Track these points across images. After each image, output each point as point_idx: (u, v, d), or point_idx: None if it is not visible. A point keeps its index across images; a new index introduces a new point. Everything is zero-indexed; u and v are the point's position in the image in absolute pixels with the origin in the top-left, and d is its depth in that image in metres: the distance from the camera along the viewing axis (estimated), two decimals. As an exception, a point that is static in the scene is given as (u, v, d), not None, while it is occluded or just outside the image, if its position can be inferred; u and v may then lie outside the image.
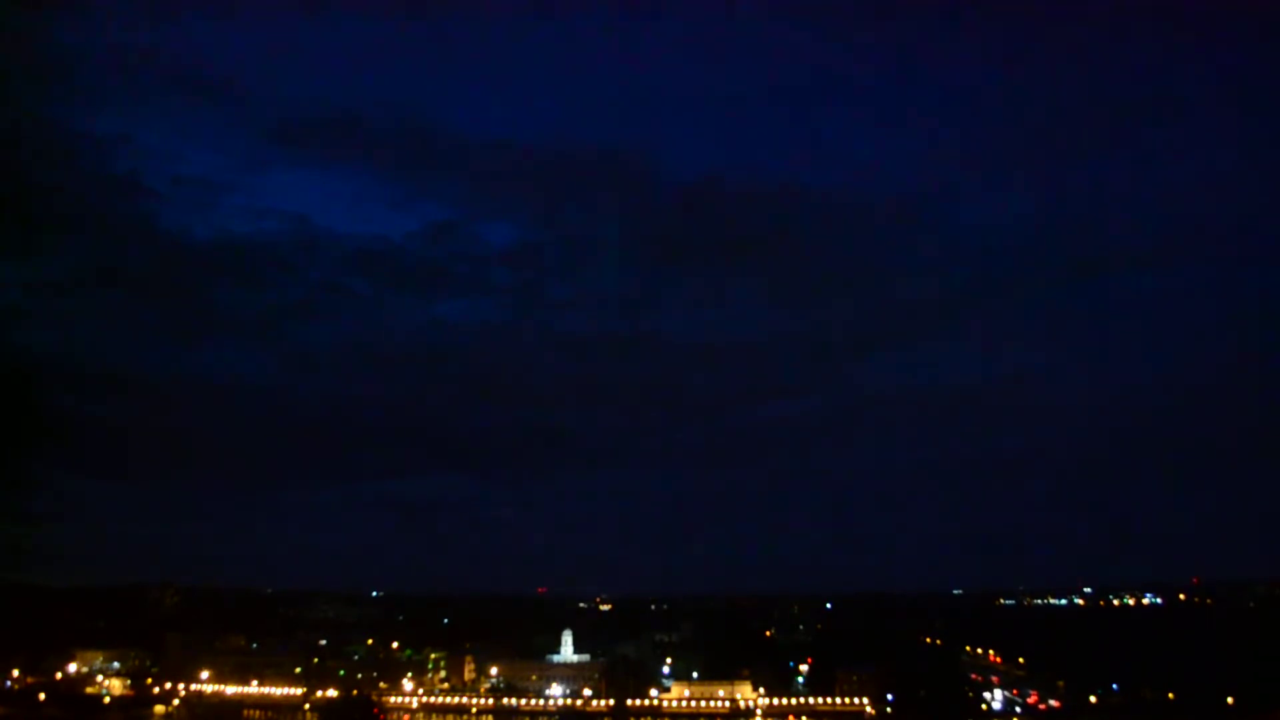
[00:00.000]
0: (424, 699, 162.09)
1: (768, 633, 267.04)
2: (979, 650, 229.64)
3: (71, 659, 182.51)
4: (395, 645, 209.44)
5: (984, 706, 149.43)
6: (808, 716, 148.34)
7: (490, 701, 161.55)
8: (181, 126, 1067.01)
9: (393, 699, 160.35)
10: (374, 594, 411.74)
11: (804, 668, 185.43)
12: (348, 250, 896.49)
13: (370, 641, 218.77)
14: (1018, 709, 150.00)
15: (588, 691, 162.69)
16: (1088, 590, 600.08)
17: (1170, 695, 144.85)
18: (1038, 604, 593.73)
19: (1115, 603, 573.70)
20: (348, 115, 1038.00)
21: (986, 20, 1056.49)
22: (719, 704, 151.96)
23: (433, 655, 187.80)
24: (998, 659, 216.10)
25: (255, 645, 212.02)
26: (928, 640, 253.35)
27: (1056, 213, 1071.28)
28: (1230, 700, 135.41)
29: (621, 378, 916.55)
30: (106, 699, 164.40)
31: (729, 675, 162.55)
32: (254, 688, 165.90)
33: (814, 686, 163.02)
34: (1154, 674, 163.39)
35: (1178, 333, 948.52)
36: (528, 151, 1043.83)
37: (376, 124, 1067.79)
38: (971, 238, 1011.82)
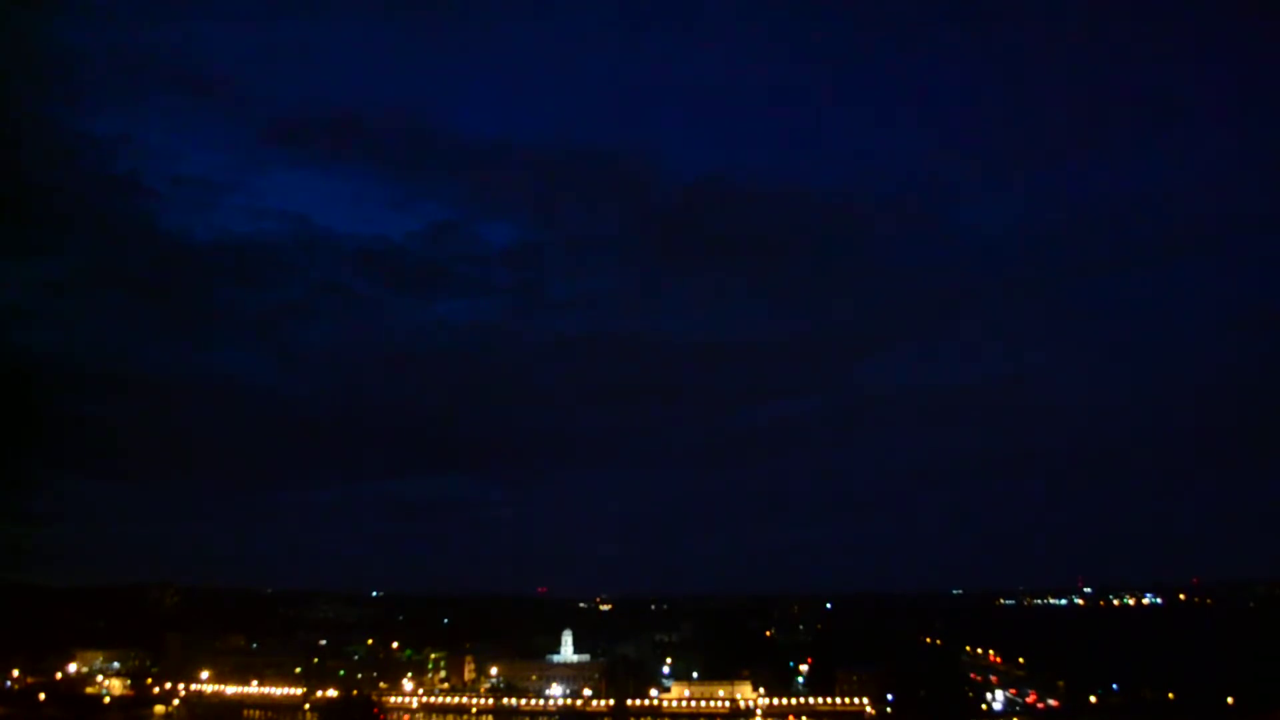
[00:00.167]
0: (424, 699, 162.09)
1: (768, 633, 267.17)
2: (979, 650, 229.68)
3: (71, 659, 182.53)
4: (395, 645, 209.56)
5: (984, 707, 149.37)
6: (808, 716, 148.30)
7: (490, 701, 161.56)
8: (181, 126, 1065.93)
9: (393, 699, 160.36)
10: (374, 594, 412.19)
11: (804, 668, 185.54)
12: (348, 250, 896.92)
13: (370, 641, 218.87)
14: (1018, 709, 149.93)
15: (588, 691, 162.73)
16: (1088, 590, 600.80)
17: (1170, 695, 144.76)
18: (1038, 604, 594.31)
19: (1115, 603, 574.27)
20: (348, 115, 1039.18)
21: (986, 20, 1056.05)
22: (719, 704, 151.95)
23: (433, 655, 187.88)
24: (998, 659, 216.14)
25: (255, 645, 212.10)
26: (928, 640, 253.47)
27: (1056, 212, 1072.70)
28: (1230, 700, 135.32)
29: (621, 378, 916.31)
30: (106, 699, 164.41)
31: (729, 675, 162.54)
32: (254, 688, 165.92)
33: (814, 686, 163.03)
34: (1154, 674, 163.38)
35: (1178, 333, 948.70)
36: (528, 151, 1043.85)
37: (376, 124, 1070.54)
38: (971, 238, 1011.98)
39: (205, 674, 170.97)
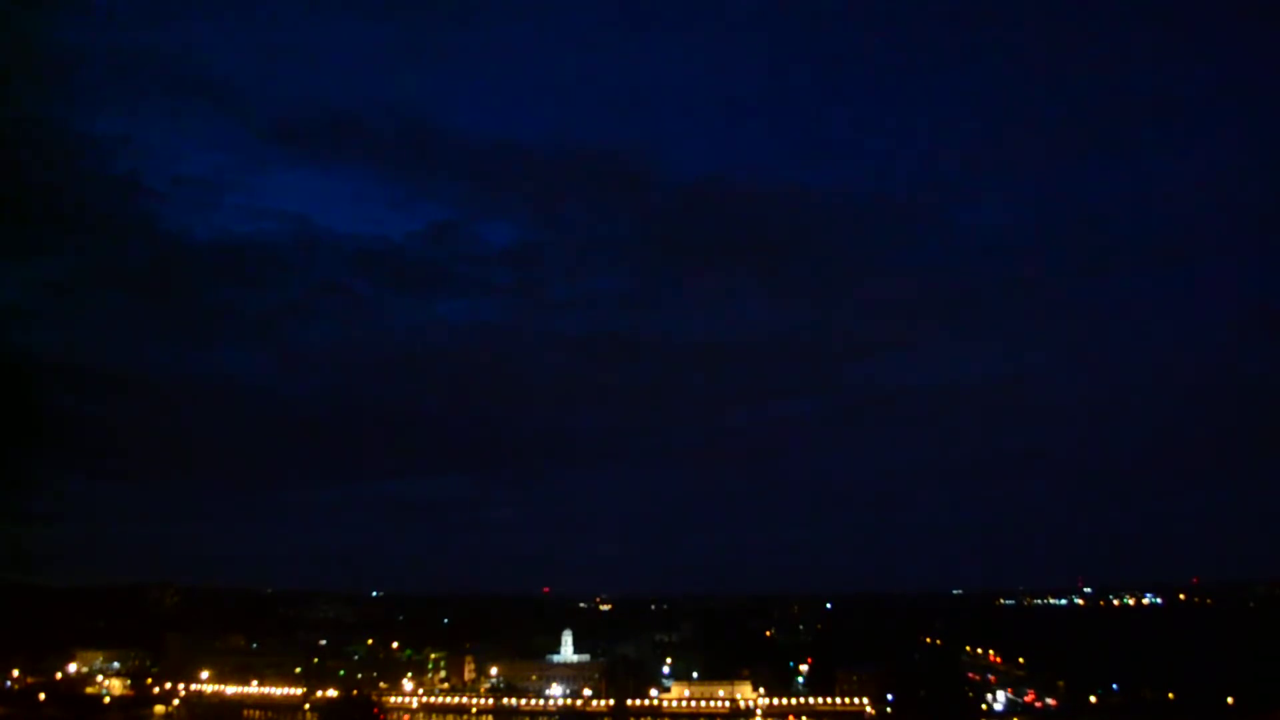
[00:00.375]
0: (424, 699, 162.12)
1: (768, 633, 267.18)
2: (979, 650, 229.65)
3: (71, 659, 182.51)
4: (395, 645, 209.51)
5: (984, 706, 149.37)
6: (808, 716, 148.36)
7: (490, 701, 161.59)
8: (181, 126, 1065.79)
9: (393, 699, 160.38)
10: (374, 594, 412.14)
11: (804, 668, 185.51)
12: (348, 250, 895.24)
13: (370, 641, 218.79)
14: (1019, 710, 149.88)
15: (588, 691, 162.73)
16: (1088, 590, 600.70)
17: (1170, 695, 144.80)
18: (1038, 604, 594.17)
19: (1115, 603, 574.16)
20: (348, 115, 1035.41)
21: (987, 20, 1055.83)
22: (719, 704, 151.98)
23: (433, 655, 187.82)
24: (998, 659, 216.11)
25: (255, 645, 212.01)
26: (928, 640, 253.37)
27: (1057, 212, 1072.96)
28: (1230, 700, 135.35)
29: (621, 378, 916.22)
30: (106, 699, 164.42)
31: (729, 675, 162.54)
32: (254, 688, 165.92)
33: (814, 686, 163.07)
34: (1154, 674, 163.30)
35: (1178, 333, 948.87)
36: (528, 151, 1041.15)
37: (376, 124, 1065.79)
38: (972, 238, 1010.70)
39: (205, 674, 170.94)
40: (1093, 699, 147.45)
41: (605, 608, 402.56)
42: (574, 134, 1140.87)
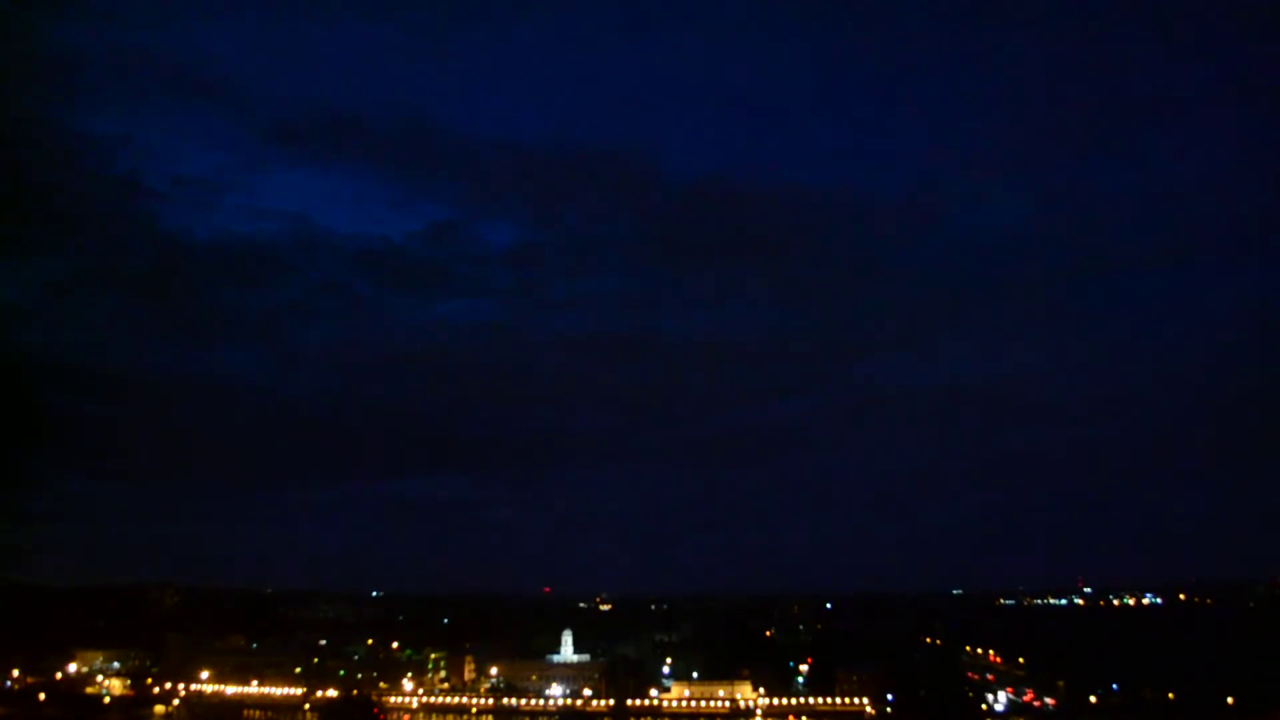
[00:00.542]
0: (424, 699, 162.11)
1: (768, 633, 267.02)
2: (979, 650, 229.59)
3: (71, 659, 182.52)
4: (395, 645, 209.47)
5: (984, 707, 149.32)
6: (808, 716, 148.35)
7: (490, 701, 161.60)
8: (181, 126, 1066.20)
9: (393, 699, 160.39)
10: (374, 594, 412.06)
11: (804, 668, 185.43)
12: (348, 250, 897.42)
13: (370, 641, 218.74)
14: (1020, 712, 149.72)
15: (588, 691, 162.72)
16: (1088, 590, 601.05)
17: (1170, 695, 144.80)
18: (1038, 604, 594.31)
19: (1115, 603, 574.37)
20: (348, 115, 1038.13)
21: (987, 20, 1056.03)
22: (719, 704, 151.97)
23: (433, 655, 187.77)
24: (998, 659, 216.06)
25: (255, 645, 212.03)
26: (928, 640, 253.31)
27: (1057, 212, 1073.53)
28: (1230, 700, 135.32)
29: (621, 378, 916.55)
30: (106, 699, 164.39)
31: (729, 675, 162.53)
32: (254, 688, 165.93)
33: (814, 686, 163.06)
34: (1154, 674, 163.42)
35: (1178, 333, 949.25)
36: (528, 151, 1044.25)
37: (377, 124, 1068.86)
38: (972, 237, 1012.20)
39: (205, 674, 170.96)
40: (1093, 699, 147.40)
41: (605, 608, 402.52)
42: (574, 134, 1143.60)
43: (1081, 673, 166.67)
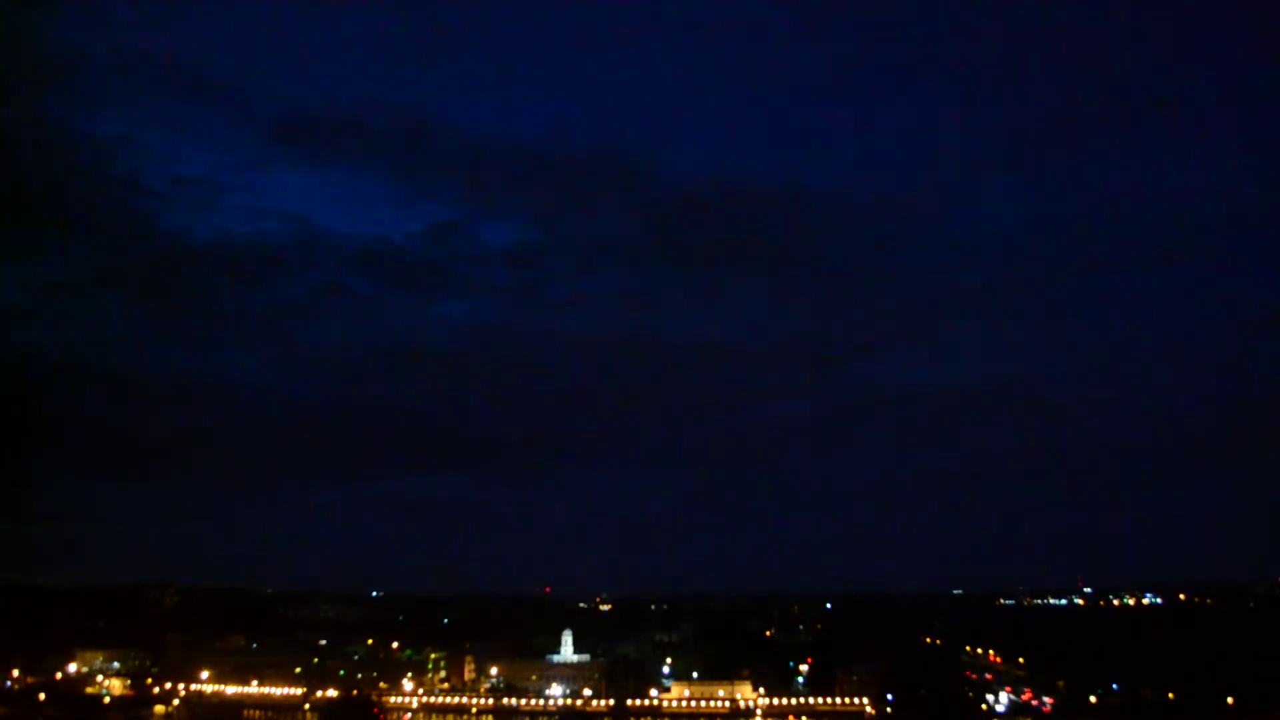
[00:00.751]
0: (424, 699, 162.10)
1: (768, 633, 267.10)
2: (979, 650, 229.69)
3: (71, 659, 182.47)
4: (395, 645, 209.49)
5: (984, 707, 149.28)
6: (808, 716, 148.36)
7: (490, 701, 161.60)
8: (181, 126, 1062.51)
9: (393, 699, 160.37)
10: (374, 594, 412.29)
11: (804, 668, 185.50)
12: (348, 250, 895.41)
13: (370, 641, 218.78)
14: (1021, 712, 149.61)
15: (588, 691, 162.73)
16: (1088, 590, 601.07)
17: (1170, 695, 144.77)
18: (1038, 604, 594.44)
19: (1115, 603, 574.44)
20: (348, 115, 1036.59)
21: (986, 20, 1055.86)
22: (719, 704, 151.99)
23: (433, 655, 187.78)
24: (998, 659, 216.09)
25: (255, 645, 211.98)
26: (928, 640, 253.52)
27: (1057, 212, 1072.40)
28: (1230, 700, 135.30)
29: (621, 378, 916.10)
30: (106, 699, 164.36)
31: (729, 675, 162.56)
32: (254, 688, 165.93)
33: (814, 686, 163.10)
34: (1154, 674, 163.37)
35: (1178, 333, 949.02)
36: (528, 152, 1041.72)
37: (377, 124, 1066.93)
38: (972, 237, 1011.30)
39: (205, 674, 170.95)
40: (1093, 699, 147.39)
41: (605, 608, 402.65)
42: (574, 134, 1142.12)
43: (1081, 673, 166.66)
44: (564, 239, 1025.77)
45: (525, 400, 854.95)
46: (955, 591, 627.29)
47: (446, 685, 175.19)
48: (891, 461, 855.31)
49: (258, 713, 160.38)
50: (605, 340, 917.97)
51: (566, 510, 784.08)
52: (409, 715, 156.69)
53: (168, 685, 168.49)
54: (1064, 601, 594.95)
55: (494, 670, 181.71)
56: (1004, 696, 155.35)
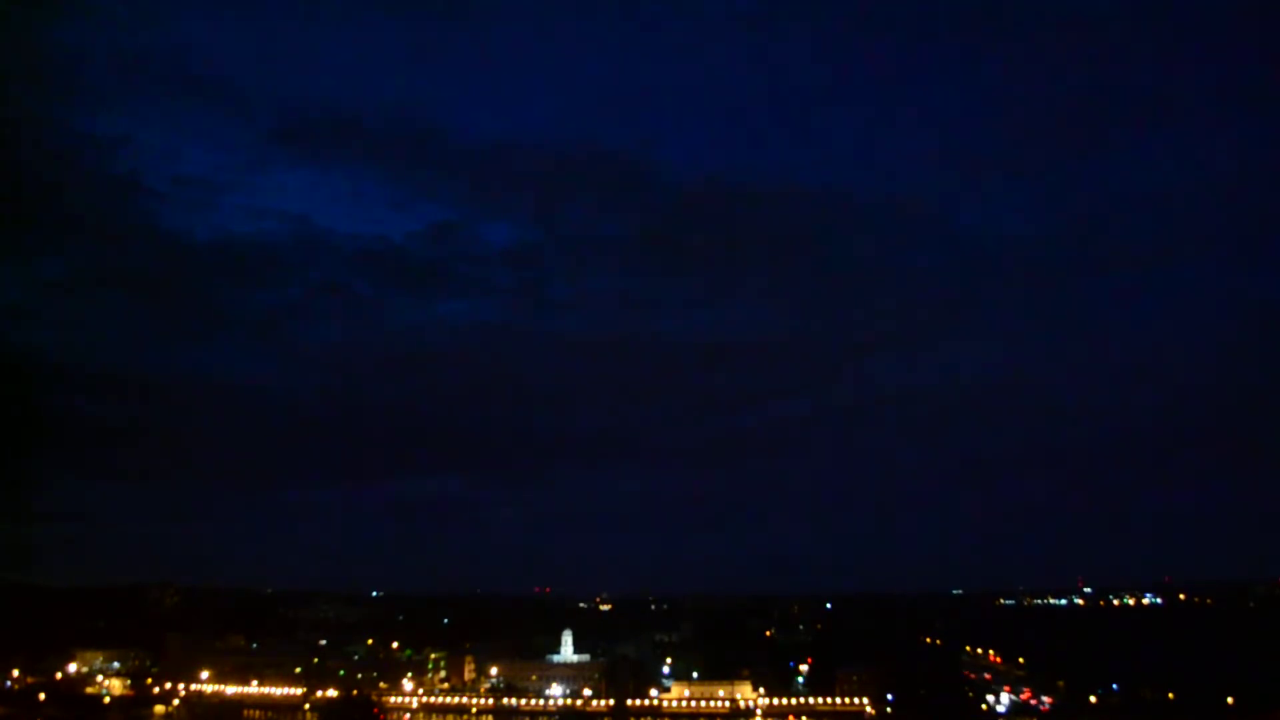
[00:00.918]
0: (424, 699, 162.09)
1: (768, 633, 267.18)
2: (979, 650, 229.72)
3: (71, 659, 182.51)
4: (395, 645, 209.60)
5: (984, 707, 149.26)
6: (808, 716, 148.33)
7: (490, 701, 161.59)
8: (181, 126, 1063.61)
9: (393, 699, 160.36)
10: (374, 594, 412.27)
11: (804, 668, 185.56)
12: (348, 250, 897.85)
13: (370, 641, 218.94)
14: (1022, 712, 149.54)
15: (588, 691, 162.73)
16: (1088, 590, 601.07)
17: (1170, 695, 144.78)
18: (1038, 604, 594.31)
19: (1115, 603, 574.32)
20: (348, 115, 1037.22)
21: (986, 20, 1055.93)
22: (719, 704, 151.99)
23: (433, 655, 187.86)
24: (998, 659, 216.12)
25: (255, 645, 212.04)
26: (928, 640, 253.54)
27: (1057, 212, 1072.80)
28: (1230, 700, 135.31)
29: (621, 378, 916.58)
30: (106, 699, 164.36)
31: (729, 675, 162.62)
32: (254, 688, 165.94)
33: (814, 686, 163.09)
34: (1154, 674, 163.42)
35: (1177, 333, 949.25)
36: (528, 152, 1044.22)
37: (377, 124, 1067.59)
38: (971, 237, 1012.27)
39: (205, 674, 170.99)
40: (1093, 699, 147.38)
41: (605, 608, 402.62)
42: (574, 134, 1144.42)
43: (1081, 673, 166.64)
44: (564, 239, 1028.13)
45: (525, 400, 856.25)
46: (955, 591, 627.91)
47: (446, 685, 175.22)
48: (891, 461, 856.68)
49: (258, 713, 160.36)
50: (605, 340, 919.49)
51: (566, 510, 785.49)
52: (409, 715, 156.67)
53: (168, 685, 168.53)
54: (1064, 601, 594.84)
55: (494, 670, 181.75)
56: (1005, 697, 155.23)
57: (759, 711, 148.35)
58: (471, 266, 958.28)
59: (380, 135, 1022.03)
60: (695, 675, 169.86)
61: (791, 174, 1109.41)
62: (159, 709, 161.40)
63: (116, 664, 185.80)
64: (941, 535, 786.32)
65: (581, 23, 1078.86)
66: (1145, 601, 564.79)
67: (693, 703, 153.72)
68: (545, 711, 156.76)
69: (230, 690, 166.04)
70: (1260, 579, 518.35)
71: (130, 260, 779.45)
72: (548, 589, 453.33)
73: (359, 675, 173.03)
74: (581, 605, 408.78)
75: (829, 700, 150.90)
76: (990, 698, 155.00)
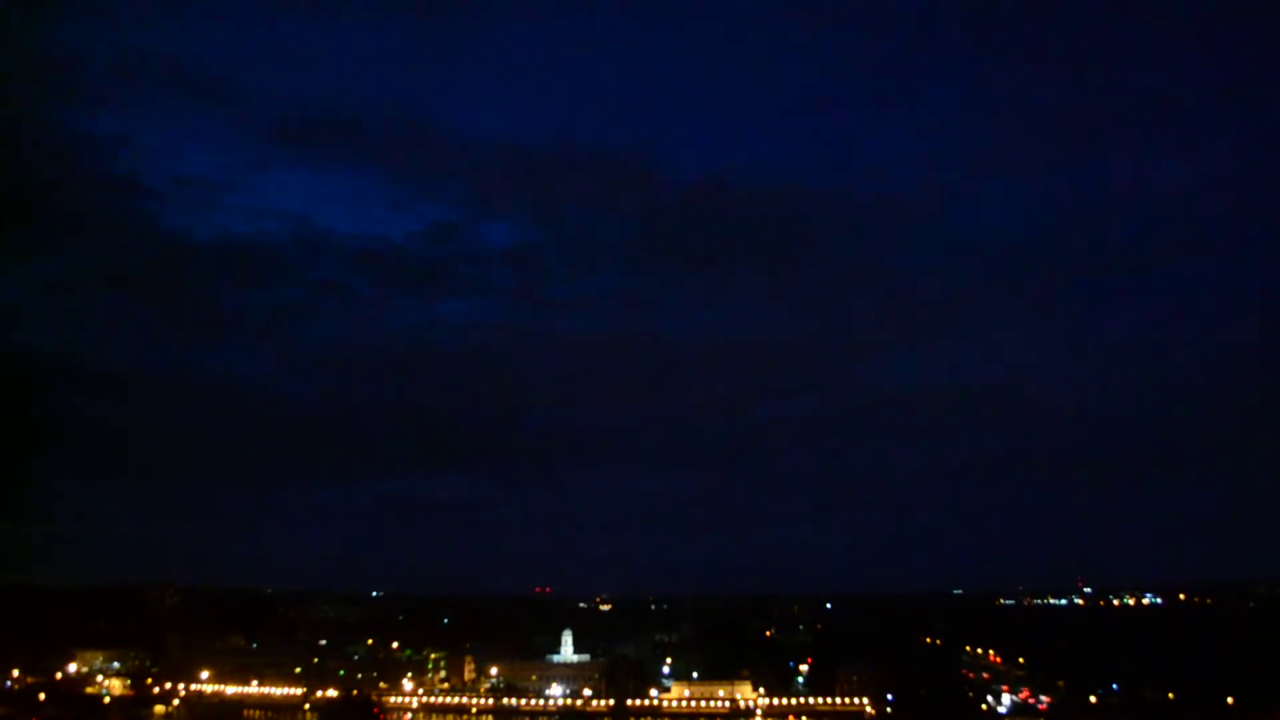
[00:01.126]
0: (424, 699, 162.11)
1: (768, 633, 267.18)
2: (979, 650, 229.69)
3: (71, 659, 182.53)
4: (395, 645, 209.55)
5: (984, 707, 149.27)
6: (808, 716, 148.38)
7: (490, 701, 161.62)
8: (181, 126, 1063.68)
9: (393, 699, 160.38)
10: (374, 594, 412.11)
11: (804, 668, 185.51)
12: (348, 250, 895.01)
13: (370, 641, 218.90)
14: (1023, 712, 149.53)
15: (588, 691, 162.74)
16: (1088, 590, 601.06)
17: (1170, 695, 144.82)
18: (1038, 604, 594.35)
19: (1115, 603, 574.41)
20: (348, 115, 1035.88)
21: (986, 20, 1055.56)
22: (719, 704, 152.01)
23: (433, 655, 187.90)
24: (998, 659, 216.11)
25: (255, 645, 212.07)
26: (928, 640, 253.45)
27: (1056, 212, 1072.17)
28: (1230, 700, 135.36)
29: (621, 378, 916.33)
30: (106, 699, 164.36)
31: (729, 675, 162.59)
32: (254, 688, 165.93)
33: (814, 686, 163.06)
34: (1154, 674, 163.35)
35: (1177, 333, 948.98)
36: (528, 151, 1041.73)
37: (377, 124, 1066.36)
38: (971, 237, 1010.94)
39: (205, 674, 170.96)
40: (1093, 699, 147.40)
41: (605, 608, 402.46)
42: (574, 134, 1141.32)
43: (1081, 673, 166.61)
44: (564, 239, 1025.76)
45: (525, 400, 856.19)
46: (955, 591, 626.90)
47: (446, 685, 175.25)
48: (891, 461, 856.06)
49: (258, 713, 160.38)
50: (605, 340, 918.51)
51: (566, 510, 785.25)
52: (409, 715, 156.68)
53: (168, 685, 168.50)
54: (1064, 601, 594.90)
55: (494, 670, 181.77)
56: (1006, 698, 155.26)
57: (759, 711, 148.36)
58: (471, 266, 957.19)
59: (380, 135, 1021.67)
60: (695, 675, 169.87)
61: (791, 174, 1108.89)
62: (159, 709, 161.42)
63: (116, 664, 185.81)
64: (941, 535, 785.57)
65: (582, 23, 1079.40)
66: (1145, 601, 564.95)
67: (693, 703, 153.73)
68: (545, 711, 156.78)
69: (230, 690, 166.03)
70: (1260, 579, 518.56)
71: (130, 260, 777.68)
72: (548, 589, 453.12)
73: (359, 675, 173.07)
74: (581, 605, 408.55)
75: (829, 700, 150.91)
76: (991, 698, 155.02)
